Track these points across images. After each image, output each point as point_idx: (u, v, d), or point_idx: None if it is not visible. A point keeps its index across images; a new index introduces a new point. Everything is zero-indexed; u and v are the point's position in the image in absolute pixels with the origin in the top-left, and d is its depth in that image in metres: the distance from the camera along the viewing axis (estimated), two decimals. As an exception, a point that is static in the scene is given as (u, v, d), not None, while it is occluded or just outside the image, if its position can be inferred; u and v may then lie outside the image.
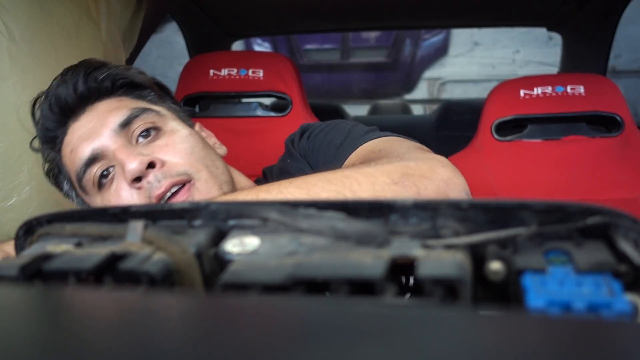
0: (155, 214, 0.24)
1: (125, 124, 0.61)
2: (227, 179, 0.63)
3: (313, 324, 0.15)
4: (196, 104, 1.26)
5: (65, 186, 0.68)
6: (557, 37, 1.77)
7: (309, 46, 3.51)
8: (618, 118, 1.11)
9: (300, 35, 3.24)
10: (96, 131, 0.61)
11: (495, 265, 0.19)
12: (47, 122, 0.64)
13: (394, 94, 3.78)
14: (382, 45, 3.53)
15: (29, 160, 0.74)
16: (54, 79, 0.65)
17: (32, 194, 0.75)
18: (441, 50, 3.73)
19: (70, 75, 0.63)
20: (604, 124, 1.14)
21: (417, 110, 3.54)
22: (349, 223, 0.22)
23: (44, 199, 0.76)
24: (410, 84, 3.77)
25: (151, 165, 0.57)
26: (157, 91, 0.70)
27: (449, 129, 1.81)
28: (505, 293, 0.20)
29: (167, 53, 3.32)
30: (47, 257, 0.22)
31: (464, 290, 0.18)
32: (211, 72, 1.22)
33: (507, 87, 1.18)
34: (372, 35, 3.50)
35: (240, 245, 0.22)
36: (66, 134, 0.64)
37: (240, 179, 0.71)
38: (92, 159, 0.60)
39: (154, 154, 0.59)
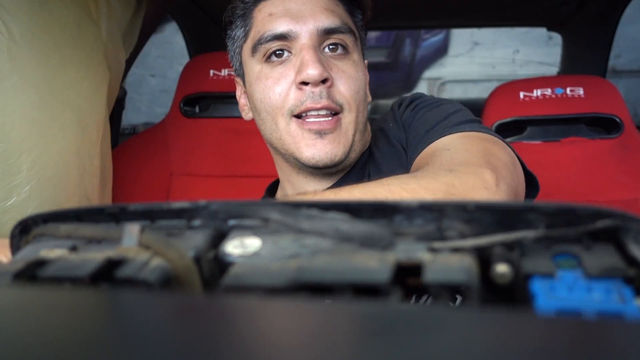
0: (153, 213, 0.24)
1: (330, 32, 0.63)
2: (363, 129, 0.67)
3: (317, 327, 0.15)
4: (196, 104, 1.26)
5: (238, 31, 0.69)
6: (557, 37, 1.77)
7: (308, 46, 3.50)
8: (617, 119, 1.11)
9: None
10: (303, 17, 0.62)
11: (501, 268, 0.19)
12: None
13: (394, 94, 3.77)
14: (382, 45, 3.52)
15: (29, 160, 0.73)
16: None
17: (31, 194, 0.74)
18: (441, 50, 3.73)
19: None
20: (604, 125, 1.14)
21: (417, 110, 3.53)
22: (353, 224, 0.22)
23: (43, 199, 0.75)
24: (410, 84, 3.77)
25: (324, 80, 0.61)
26: (366, 17, 0.72)
27: (449, 129, 1.80)
28: (512, 296, 0.19)
29: (167, 53, 3.31)
30: (41, 263, 0.21)
31: (471, 294, 0.18)
32: (211, 72, 1.22)
33: (507, 89, 1.18)
34: (372, 35, 3.49)
35: (241, 246, 0.22)
36: None
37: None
38: (283, 36, 0.62)
39: (332, 71, 0.62)
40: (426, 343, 0.14)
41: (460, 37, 3.66)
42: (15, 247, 0.26)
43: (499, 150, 0.58)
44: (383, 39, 3.50)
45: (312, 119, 0.62)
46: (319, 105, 0.61)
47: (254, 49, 0.65)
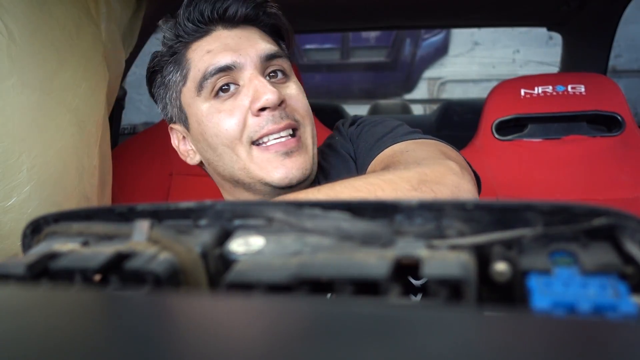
0: (160, 213, 0.24)
1: (271, 58, 0.65)
2: (313, 142, 0.68)
3: (317, 324, 0.15)
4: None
5: (174, 76, 0.69)
6: (557, 37, 1.77)
7: (309, 46, 3.51)
8: (619, 117, 1.11)
9: (300, 35, 3.24)
10: (243, 48, 0.64)
11: (500, 266, 0.19)
12: (197, 15, 0.66)
13: (394, 94, 3.78)
14: (382, 45, 3.53)
15: (29, 160, 0.74)
16: None
17: (31, 194, 0.75)
18: (441, 50, 3.74)
19: None
20: (605, 123, 1.14)
21: (417, 110, 3.54)
22: (354, 223, 0.22)
23: (43, 199, 0.75)
24: (410, 84, 3.77)
25: (280, 103, 0.63)
26: (290, 46, 0.75)
27: (449, 129, 1.81)
28: (510, 294, 0.20)
29: (167, 53, 3.31)
30: (53, 255, 0.22)
31: (468, 290, 0.18)
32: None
33: (508, 86, 1.18)
34: (372, 35, 3.50)
35: (245, 245, 0.22)
36: (207, 35, 0.67)
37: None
38: (227, 68, 0.63)
39: (284, 94, 0.64)
40: (423, 341, 0.14)
41: (460, 37, 3.66)
42: (26, 247, 0.26)
43: (451, 151, 0.62)
44: (383, 39, 3.50)
45: (273, 142, 0.63)
46: (281, 126, 0.62)
47: (199, 87, 0.65)
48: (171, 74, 0.69)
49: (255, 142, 0.63)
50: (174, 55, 0.68)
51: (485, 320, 0.15)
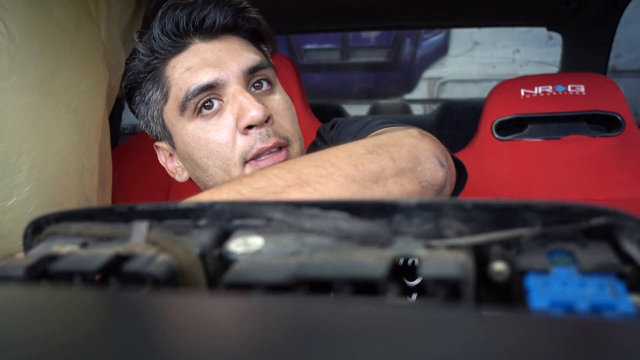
0: (160, 213, 0.24)
1: (254, 70, 0.62)
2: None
3: (315, 325, 0.15)
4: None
5: (154, 95, 0.66)
6: (557, 37, 1.77)
7: (308, 46, 3.51)
8: (619, 117, 1.11)
9: (300, 35, 3.24)
10: (224, 63, 0.61)
11: (498, 266, 0.19)
12: (172, 27, 0.62)
13: (394, 93, 3.78)
14: (382, 45, 3.53)
15: (29, 160, 0.74)
16: None
17: (31, 194, 0.75)
18: (441, 50, 3.74)
19: (224, 1, 0.64)
20: (605, 123, 1.14)
21: (417, 110, 3.54)
22: (353, 223, 0.22)
23: (43, 199, 0.76)
24: (410, 84, 3.77)
25: (267, 119, 0.60)
26: (273, 49, 0.72)
27: (449, 129, 1.81)
28: (509, 294, 0.20)
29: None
30: (53, 257, 0.22)
31: (466, 290, 0.18)
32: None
33: (508, 86, 1.18)
34: (372, 35, 3.50)
35: (244, 245, 0.22)
36: (185, 50, 0.63)
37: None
38: (210, 87, 0.60)
39: (269, 107, 0.62)
40: (422, 341, 0.14)
41: (460, 37, 3.66)
42: (27, 246, 0.26)
43: (420, 131, 0.60)
44: (383, 38, 3.50)
45: (264, 158, 0.61)
46: (270, 144, 0.60)
47: (182, 107, 0.62)
48: (151, 92, 0.66)
49: (248, 162, 0.61)
50: (152, 72, 0.65)
51: (483, 320, 0.15)
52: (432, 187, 0.47)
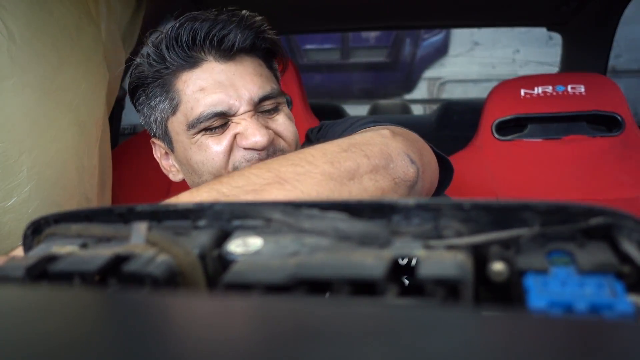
0: (160, 214, 0.24)
1: (263, 100, 0.63)
2: None
3: (314, 325, 0.15)
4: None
5: (161, 103, 0.65)
6: (557, 37, 1.77)
7: (309, 46, 3.51)
8: (618, 117, 1.11)
9: (300, 35, 3.24)
10: (237, 88, 0.61)
11: (497, 266, 0.19)
12: (189, 39, 0.61)
13: (394, 94, 3.78)
14: (382, 45, 3.53)
15: (29, 160, 0.74)
16: (219, 13, 0.63)
17: (31, 194, 0.75)
18: (441, 50, 3.74)
19: (245, 22, 0.63)
20: (605, 123, 1.14)
21: (417, 110, 3.54)
22: (351, 224, 0.22)
23: (43, 199, 0.76)
24: (410, 84, 3.77)
25: (271, 142, 0.62)
26: (284, 65, 0.73)
27: (449, 129, 1.80)
28: (507, 294, 0.20)
29: (167, 53, 3.30)
30: (52, 258, 0.22)
31: (465, 290, 0.18)
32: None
33: (508, 86, 1.18)
34: (372, 35, 3.50)
35: (243, 245, 0.22)
36: (198, 67, 0.62)
37: None
38: (223, 113, 0.61)
39: (270, 127, 0.63)
40: (421, 341, 0.14)
41: (460, 37, 3.66)
42: (27, 247, 0.26)
43: (401, 130, 0.60)
44: (383, 39, 3.50)
45: None
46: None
47: (192, 126, 0.62)
48: (158, 99, 0.66)
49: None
50: (160, 79, 0.65)
51: (482, 320, 0.15)
52: (405, 183, 0.48)
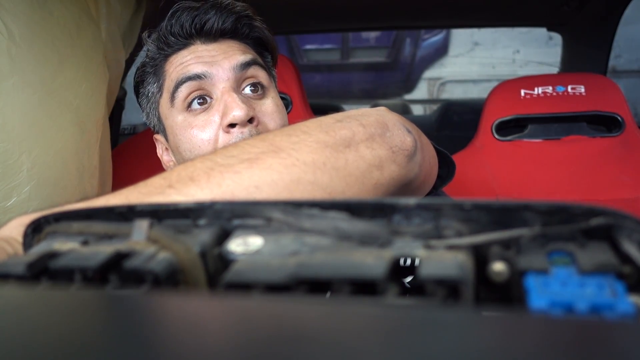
0: (160, 213, 0.24)
1: (246, 66, 0.64)
2: None
3: (314, 324, 0.15)
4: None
5: (152, 88, 0.69)
6: (557, 37, 1.77)
7: (309, 46, 3.51)
8: (619, 118, 1.11)
9: (300, 35, 3.24)
10: (217, 61, 0.64)
11: (498, 266, 0.19)
12: (178, 28, 0.66)
13: (394, 94, 3.78)
14: (382, 45, 3.53)
15: (29, 160, 0.74)
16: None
17: (31, 194, 0.75)
18: (441, 50, 3.74)
19: (227, 7, 0.66)
20: (605, 123, 1.14)
21: (417, 110, 3.54)
22: (352, 223, 0.22)
23: (43, 199, 0.76)
24: (410, 84, 3.77)
25: (251, 120, 0.61)
26: (274, 58, 0.74)
27: (449, 129, 1.81)
28: (508, 294, 0.20)
29: (167, 53, 3.31)
30: (53, 254, 0.22)
31: (465, 290, 0.18)
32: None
33: (508, 86, 1.18)
34: (372, 35, 3.50)
35: (243, 244, 0.22)
36: (185, 49, 0.66)
37: None
38: (197, 77, 0.63)
39: (256, 111, 0.63)
40: (421, 341, 0.14)
41: (460, 37, 3.66)
42: (27, 246, 0.26)
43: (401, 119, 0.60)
44: (383, 39, 3.50)
45: None
46: None
47: (172, 97, 0.65)
48: (150, 85, 0.70)
49: None
50: (155, 67, 0.69)
51: (482, 320, 0.15)
52: (403, 152, 0.47)
